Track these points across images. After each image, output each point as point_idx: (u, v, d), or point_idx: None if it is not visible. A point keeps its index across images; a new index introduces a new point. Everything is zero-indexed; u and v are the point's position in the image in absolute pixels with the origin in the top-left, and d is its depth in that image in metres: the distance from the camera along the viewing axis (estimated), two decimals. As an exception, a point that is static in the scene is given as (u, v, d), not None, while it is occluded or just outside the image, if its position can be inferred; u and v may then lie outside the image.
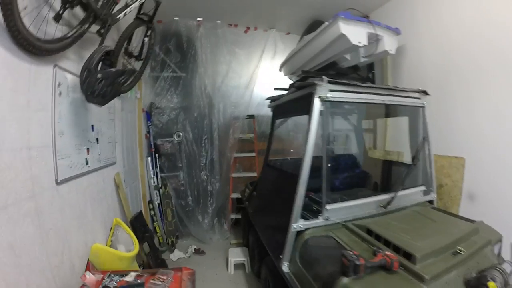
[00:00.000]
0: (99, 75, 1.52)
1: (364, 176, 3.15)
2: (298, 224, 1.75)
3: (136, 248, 1.87)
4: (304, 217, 1.79)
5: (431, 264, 1.38)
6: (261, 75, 4.08)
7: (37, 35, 1.22)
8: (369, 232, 1.69)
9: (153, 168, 3.62)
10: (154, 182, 3.59)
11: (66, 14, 1.41)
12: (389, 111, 2.82)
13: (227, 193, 3.91)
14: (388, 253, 1.39)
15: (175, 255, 3.28)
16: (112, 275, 1.49)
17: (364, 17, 2.90)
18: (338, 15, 2.38)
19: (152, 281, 1.44)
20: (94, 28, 1.68)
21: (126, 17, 1.98)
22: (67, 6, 1.36)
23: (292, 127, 3.98)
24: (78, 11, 1.57)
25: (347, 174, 3.03)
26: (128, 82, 2.23)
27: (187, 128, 3.86)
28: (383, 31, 2.65)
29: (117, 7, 1.86)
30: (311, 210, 1.95)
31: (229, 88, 3.99)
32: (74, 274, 1.46)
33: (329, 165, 1.86)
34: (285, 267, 1.74)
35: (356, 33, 2.42)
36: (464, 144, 2.76)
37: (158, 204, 3.58)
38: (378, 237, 1.62)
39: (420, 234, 1.64)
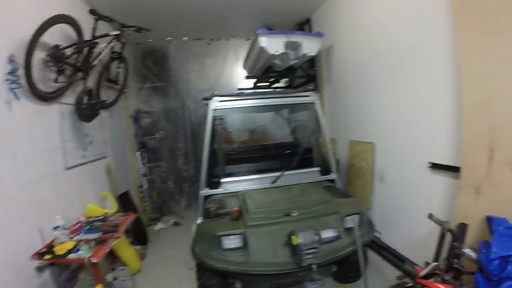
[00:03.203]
0: (84, 106, 2.60)
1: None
2: (203, 192, 2.56)
3: (115, 209, 2.95)
4: (211, 187, 2.59)
5: (259, 218, 1.94)
6: (226, 77, 5.08)
7: (46, 90, 2.20)
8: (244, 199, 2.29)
9: (142, 160, 4.74)
10: (142, 171, 4.71)
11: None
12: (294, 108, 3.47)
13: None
14: (235, 208, 2.09)
15: (157, 226, 4.37)
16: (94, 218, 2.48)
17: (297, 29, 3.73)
18: (257, 32, 2.88)
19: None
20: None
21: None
22: (60, 73, 2.32)
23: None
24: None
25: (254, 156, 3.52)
26: (110, 101, 3.27)
27: (167, 127, 4.97)
28: (300, 38, 3.02)
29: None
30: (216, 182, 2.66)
31: (199, 92, 4.88)
32: (75, 217, 2.46)
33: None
34: (199, 220, 2.44)
35: (273, 44, 2.88)
36: (374, 130, 2.99)
37: (146, 188, 4.70)
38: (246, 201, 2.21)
39: (272, 201, 2.20)
